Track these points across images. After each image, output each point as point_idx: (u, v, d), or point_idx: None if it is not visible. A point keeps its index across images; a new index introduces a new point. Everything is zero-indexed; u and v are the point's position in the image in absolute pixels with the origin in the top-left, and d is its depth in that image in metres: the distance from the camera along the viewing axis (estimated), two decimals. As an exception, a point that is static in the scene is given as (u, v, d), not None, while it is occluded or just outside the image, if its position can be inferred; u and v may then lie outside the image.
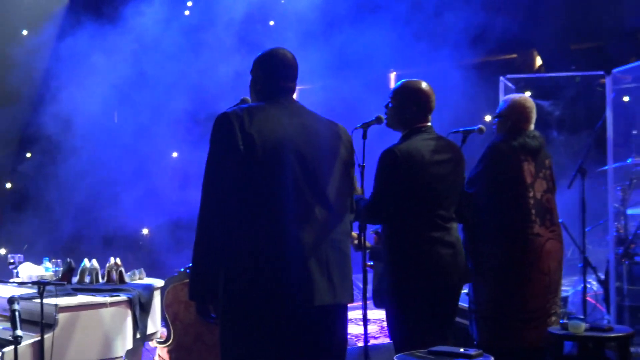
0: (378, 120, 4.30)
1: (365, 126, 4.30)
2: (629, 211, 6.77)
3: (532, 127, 4.87)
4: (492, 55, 13.88)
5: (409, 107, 4.22)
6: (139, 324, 4.73)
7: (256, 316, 3.09)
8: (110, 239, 9.50)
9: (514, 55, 14.57)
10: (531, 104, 4.91)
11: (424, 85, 4.24)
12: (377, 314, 7.33)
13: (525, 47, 13.52)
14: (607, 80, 6.03)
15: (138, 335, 4.75)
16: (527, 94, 7.96)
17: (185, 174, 8.67)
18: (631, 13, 11.11)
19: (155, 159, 9.38)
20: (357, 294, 3.92)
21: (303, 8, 8.32)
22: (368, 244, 4.21)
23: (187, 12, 9.96)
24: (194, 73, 8.88)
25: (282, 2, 9.70)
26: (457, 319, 4.51)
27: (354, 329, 7.12)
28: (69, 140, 8.76)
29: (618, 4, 11.41)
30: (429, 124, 4.23)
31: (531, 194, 4.66)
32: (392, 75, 11.37)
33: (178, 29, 8.92)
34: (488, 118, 8.81)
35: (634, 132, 6.68)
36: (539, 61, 13.36)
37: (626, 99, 7.36)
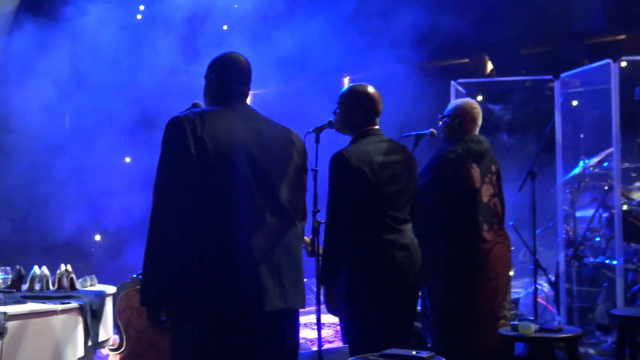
0: (330, 124, 4.31)
1: (318, 130, 4.29)
2: (578, 213, 6.89)
3: (477, 130, 4.91)
4: (445, 60, 14.04)
5: (355, 111, 4.21)
6: (91, 332, 4.67)
7: (207, 322, 3.07)
8: (61, 246, 9.34)
9: (466, 60, 14.76)
10: (477, 107, 4.97)
11: (370, 89, 4.25)
12: (332, 318, 7.33)
13: (476, 52, 13.68)
14: (556, 85, 6.13)
15: (90, 343, 4.69)
16: (479, 98, 8.05)
17: (136, 179, 8.56)
18: (579, 18, 11.33)
19: (104, 163, 9.27)
20: (312, 298, 3.91)
21: (254, 11, 8.30)
22: (322, 248, 4.20)
23: (139, 17, 9.88)
24: (138, 75, 8.78)
25: (235, 6, 9.66)
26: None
27: (309, 334, 7.11)
28: (9, 143, 8.56)
29: (567, 8, 11.62)
30: (377, 127, 4.23)
31: (478, 200, 4.70)
32: (346, 80, 11.42)
33: (123, 31, 8.82)
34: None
35: (582, 135, 6.79)
36: (490, 66, 13.52)
37: (575, 102, 7.49)
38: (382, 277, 4.03)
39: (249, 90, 3.44)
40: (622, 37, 13.00)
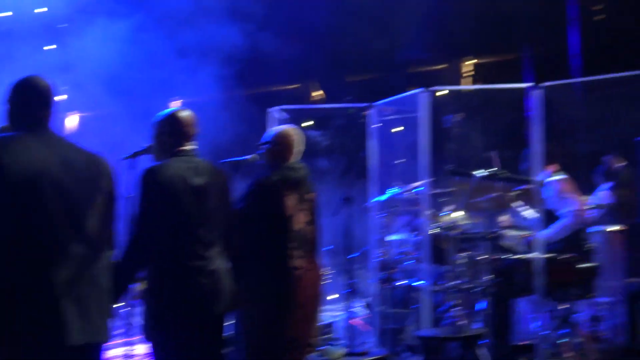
0: (148, 150, 4.24)
1: (135, 155, 4.21)
2: (393, 237, 7.07)
3: (297, 157, 4.97)
4: (276, 85, 14.18)
5: (166, 135, 4.17)
6: None
7: (8, 356, 2.97)
8: None
9: (297, 86, 15.00)
10: (297, 134, 5.03)
11: (181, 113, 4.22)
12: (147, 348, 7.14)
13: (304, 79, 13.92)
14: (371, 112, 6.30)
15: None
16: (309, 123, 8.16)
17: None
18: (402, 47, 11.77)
19: None
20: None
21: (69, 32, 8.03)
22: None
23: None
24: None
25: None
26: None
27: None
28: None
29: (390, 38, 12.04)
30: (190, 148, 4.19)
31: (292, 227, 4.74)
32: (173, 104, 11.28)
33: None
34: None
35: (396, 162, 7.00)
36: (318, 92, 13.79)
37: (394, 129, 7.71)
38: (186, 304, 3.97)
39: (50, 114, 3.32)
40: (444, 66, 13.68)
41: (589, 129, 10.08)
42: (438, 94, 6.78)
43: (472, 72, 13.87)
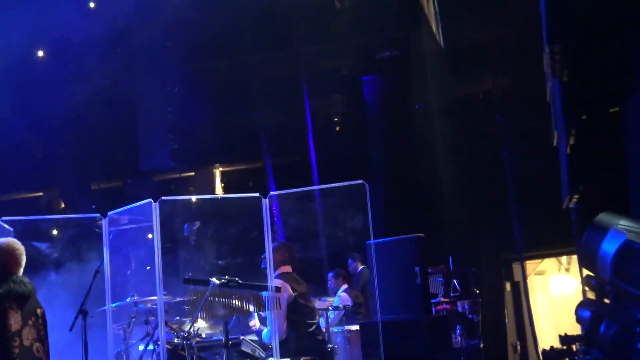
0: None
1: None
2: (140, 347, 6.88)
3: (21, 271, 4.82)
4: (14, 194, 13.60)
5: None
6: None
7: None
8: None
9: (40, 194, 14.49)
10: (20, 247, 4.90)
11: None
12: None
13: (49, 186, 13.52)
14: (104, 222, 6.22)
15: None
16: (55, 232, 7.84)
17: None
18: (146, 156, 11.85)
19: None
20: None
21: None
22: None
23: None
24: None
25: None
26: None
27: None
28: None
29: (135, 147, 12.09)
30: None
31: (17, 343, 4.55)
32: None
33: None
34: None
35: (129, 272, 6.93)
36: (57, 200, 13.43)
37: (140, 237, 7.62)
38: None
39: None
40: (191, 174, 13.89)
41: (321, 233, 10.66)
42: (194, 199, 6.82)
43: (220, 180, 14.21)
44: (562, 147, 8.12)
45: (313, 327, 6.68)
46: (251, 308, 5.88)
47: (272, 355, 6.05)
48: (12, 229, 6.44)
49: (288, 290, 6.49)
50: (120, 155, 12.39)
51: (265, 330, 6.60)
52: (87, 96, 12.38)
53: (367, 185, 6.14)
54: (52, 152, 12.09)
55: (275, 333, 6.14)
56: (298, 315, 6.55)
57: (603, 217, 4.98)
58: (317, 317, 6.95)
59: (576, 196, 7.81)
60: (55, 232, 8.65)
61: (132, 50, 12.21)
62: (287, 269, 6.72)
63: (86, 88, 12.26)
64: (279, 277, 6.57)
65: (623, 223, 4.68)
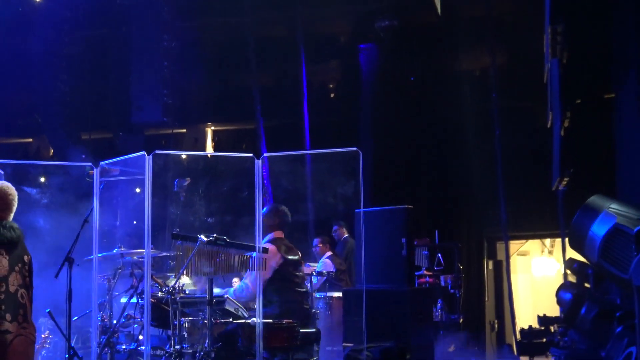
0: None
1: None
2: (122, 300, 6.90)
3: (11, 216, 4.79)
4: (3, 138, 13.52)
5: None
6: None
7: None
8: None
9: (30, 140, 14.41)
10: (13, 192, 4.86)
11: None
12: None
13: (38, 133, 13.45)
14: (95, 172, 6.18)
15: None
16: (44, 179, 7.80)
17: None
18: (138, 109, 11.77)
19: None
20: None
21: None
22: None
23: None
24: None
25: None
26: None
27: None
28: None
29: (127, 100, 12.02)
30: None
31: (3, 288, 4.55)
32: None
33: None
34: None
35: (118, 223, 6.92)
36: (47, 148, 13.36)
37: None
38: None
39: None
40: (183, 130, 13.83)
41: (310, 198, 10.67)
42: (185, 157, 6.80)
43: (211, 139, 14.18)
44: (556, 129, 8.16)
45: (299, 294, 6.69)
46: (236, 267, 5.90)
47: (254, 316, 6.06)
48: (2, 172, 6.39)
49: (277, 257, 6.48)
50: (112, 107, 12.31)
51: (234, 288, 6.62)
52: (82, 44, 12.29)
53: (360, 152, 6.12)
54: (43, 99, 11.99)
55: (259, 295, 6.16)
56: (286, 282, 6.56)
57: (595, 200, 5.02)
58: (305, 287, 6.95)
59: (566, 179, 7.87)
60: (42, 179, 8.59)
61: (130, 1, 12.09)
62: (280, 234, 6.71)
63: (82, 35, 12.17)
64: (271, 242, 6.56)
65: (614, 207, 4.73)
